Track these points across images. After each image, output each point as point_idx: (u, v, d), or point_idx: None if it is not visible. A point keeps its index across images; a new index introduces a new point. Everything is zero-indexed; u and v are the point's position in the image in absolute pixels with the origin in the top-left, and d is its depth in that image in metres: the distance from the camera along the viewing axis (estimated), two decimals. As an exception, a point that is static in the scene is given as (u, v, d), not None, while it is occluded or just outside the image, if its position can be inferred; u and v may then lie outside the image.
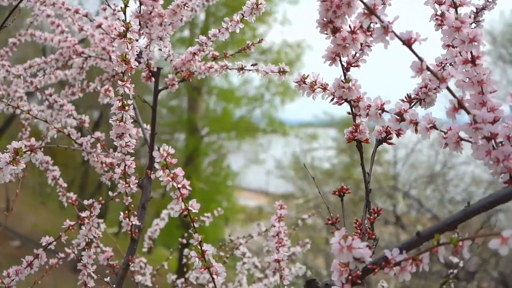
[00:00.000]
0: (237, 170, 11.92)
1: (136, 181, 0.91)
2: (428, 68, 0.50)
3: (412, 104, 0.69)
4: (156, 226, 1.44)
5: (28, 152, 0.66)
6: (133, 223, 0.97)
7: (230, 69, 0.97)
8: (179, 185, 0.62)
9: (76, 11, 1.09)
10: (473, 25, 0.72)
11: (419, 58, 0.51)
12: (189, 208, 0.63)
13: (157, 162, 0.61)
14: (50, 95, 1.12)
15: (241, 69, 0.95)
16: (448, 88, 0.51)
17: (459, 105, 0.51)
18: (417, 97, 0.68)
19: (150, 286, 1.29)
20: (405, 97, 0.69)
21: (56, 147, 0.89)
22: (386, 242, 6.58)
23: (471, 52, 0.53)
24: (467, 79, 0.54)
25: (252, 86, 12.59)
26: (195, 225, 0.64)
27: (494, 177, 0.52)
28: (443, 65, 0.68)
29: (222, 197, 11.04)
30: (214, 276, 0.64)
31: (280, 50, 10.73)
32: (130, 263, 0.98)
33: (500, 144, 0.52)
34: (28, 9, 1.30)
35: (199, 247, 0.65)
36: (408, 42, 0.51)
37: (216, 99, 12.36)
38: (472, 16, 0.72)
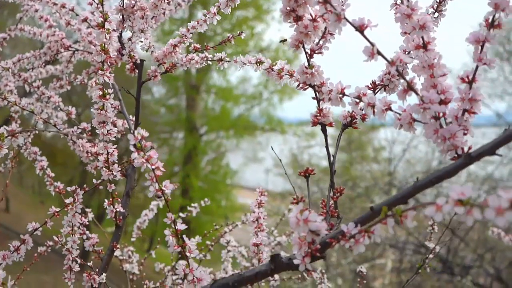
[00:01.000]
0: (236, 169, 11.95)
1: (119, 169, 0.94)
2: (378, 52, 0.54)
3: (377, 90, 0.72)
4: (145, 217, 1.47)
5: (9, 137, 0.70)
6: (117, 210, 1.01)
7: (210, 60, 1.00)
8: (153, 167, 0.65)
9: (63, 6, 1.13)
10: (436, 14, 0.75)
11: (371, 43, 0.54)
12: (163, 188, 0.67)
13: (132, 145, 0.64)
14: (38, 88, 1.15)
15: (220, 60, 0.99)
16: (398, 71, 0.54)
17: (409, 87, 0.55)
18: (381, 83, 0.72)
19: (137, 274, 1.33)
20: (370, 83, 0.72)
21: (35, 130, 0.92)
22: (382, 238, 6.62)
23: (422, 38, 0.57)
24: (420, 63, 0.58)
25: (251, 85, 12.63)
26: (168, 204, 0.68)
27: (442, 156, 0.55)
28: (406, 52, 0.72)
29: (221, 196, 11.07)
30: (187, 254, 0.68)
31: (278, 48, 10.77)
32: (114, 249, 1.02)
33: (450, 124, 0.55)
34: (17, 4, 1.33)
35: (173, 226, 0.68)
36: (360, 28, 0.54)
37: (214, 98, 12.39)
38: (435, 5, 0.75)
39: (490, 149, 0.50)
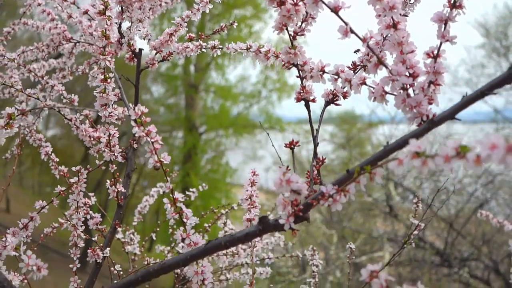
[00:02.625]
0: (236, 167, 12.01)
1: (120, 150, 1.01)
2: (351, 31, 0.60)
3: (357, 70, 0.79)
4: (145, 202, 1.54)
5: (20, 116, 0.76)
6: (119, 190, 1.07)
7: (204, 48, 1.07)
8: (153, 140, 0.72)
9: (64, -1, 1.19)
10: (412, 0, 0.81)
11: (345, 23, 0.60)
12: (162, 159, 0.73)
13: (133, 120, 0.71)
14: (42, 77, 1.22)
15: (213, 47, 1.05)
16: (369, 47, 0.61)
17: (379, 61, 0.61)
18: (361, 63, 0.78)
19: (139, 254, 1.40)
20: (351, 64, 0.79)
21: (44, 109, 0.98)
22: (381, 232, 6.70)
23: (392, 18, 0.63)
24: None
25: (249, 83, 12.69)
26: (166, 174, 0.74)
27: (409, 124, 0.61)
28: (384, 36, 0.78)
29: (221, 194, 11.12)
30: (185, 220, 0.74)
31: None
32: (116, 227, 1.08)
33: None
34: (16, 5, 1.39)
35: (171, 195, 0.75)
36: (335, 10, 0.61)
37: (213, 97, 12.45)
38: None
39: (450, 115, 0.57)
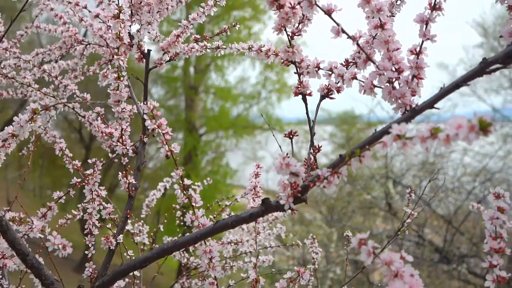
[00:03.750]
0: (236, 168, 12.08)
1: (132, 144, 1.08)
2: (343, 31, 0.68)
3: (350, 66, 0.86)
4: (153, 196, 1.61)
5: (44, 111, 0.83)
6: (130, 181, 1.15)
7: (208, 48, 1.14)
8: (163, 131, 0.79)
9: (77, 4, 1.27)
10: (399, 1, 0.89)
11: (337, 24, 0.68)
12: (172, 149, 0.81)
13: (145, 113, 0.78)
14: (56, 77, 1.29)
15: (217, 47, 1.13)
16: (358, 45, 0.68)
17: (367, 57, 0.69)
18: (353, 61, 0.86)
19: (147, 244, 1.47)
20: (344, 61, 0.86)
21: (64, 104, 1.05)
22: (380, 230, 6.77)
23: (379, 19, 0.71)
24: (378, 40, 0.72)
25: (249, 84, 12.77)
26: (176, 163, 0.82)
27: (395, 112, 0.69)
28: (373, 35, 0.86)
29: (221, 195, 11.18)
30: (193, 204, 0.82)
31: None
32: (128, 216, 1.15)
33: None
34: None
35: (181, 182, 0.82)
36: (328, 12, 0.68)
37: (213, 98, 12.53)
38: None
39: (429, 104, 0.64)
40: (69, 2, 1.28)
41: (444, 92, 0.63)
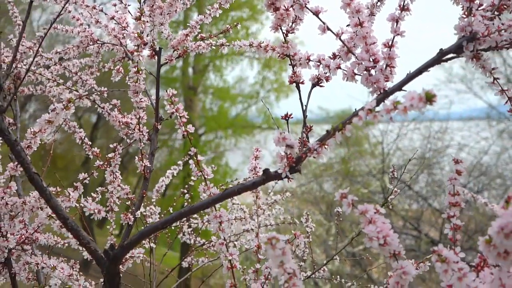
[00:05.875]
0: (235, 168, 12.21)
1: (147, 131, 1.23)
2: (328, 28, 0.82)
3: (336, 58, 1.01)
4: (162, 182, 1.76)
5: (78, 99, 0.98)
6: (145, 164, 1.29)
7: (214, 46, 1.29)
8: (181, 115, 0.94)
9: (94, 7, 1.41)
10: (378, 3, 1.04)
11: (323, 23, 0.83)
12: (188, 129, 0.95)
13: (166, 99, 0.93)
14: (76, 73, 1.44)
15: (222, 45, 1.28)
16: (341, 40, 0.83)
17: (348, 50, 0.84)
18: (339, 54, 1.00)
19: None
20: (332, 54, 1.01)
21: (91, 95, 1.20)
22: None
23: (358, 18, 0.86)
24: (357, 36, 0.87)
25: (247, 84, 12.91)
26: (191, 142, 0.96)
27: (372, 94, 0.84)
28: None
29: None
30: (206, 176, 0.97)
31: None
32: (144, 195, 1.30)
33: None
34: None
35: (195, 158, 0.97)
36: (316, 13, 0.83)
37: (212, 98, 12.67)
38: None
39: (398, 87, 0.79)
40: (87, 6, 1.42)
41: (410, 77, 0.78)
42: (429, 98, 0.59)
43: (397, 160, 7.67)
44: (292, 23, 0.93)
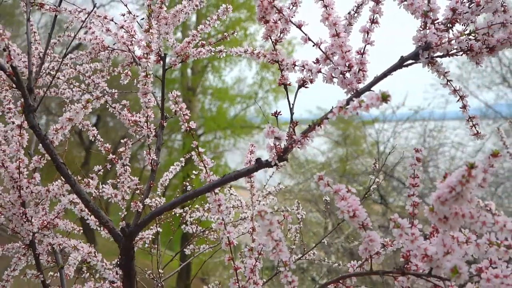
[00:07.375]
0: (234, 168, 12.35)
1: (155, 127, 1.39)
2: (309, 39, 0.98)
3: (318, 63, 1.16)
4: (166, 177, 1.92)
5: (95, 100, 1.14)
6: (153, 158, 1.45)
7: (213, 52, 1.45)
8: (184, 112, 1.10)
9: (105, 17, 1.57)
10: (355, 14, 1.20)
11: (305, 34, 0.99)
12: (190, 126, 1.11)
13: (171, 100, 1.09)
14: (89, 77, 1.59)
15: (220, 51, 1.43)
16: (320, 49, 0.99)
17: (326, 57, 0.99)
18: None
19: (163, 218, 1.78)
20: (315, 59, 1.17)
21: (107, 95, 1.36)
22: (374, 219, 7.09)
23: (335, 30, 1.01)
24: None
25: (246, 85, 13.05)
26: (194, 137, 1.12)
27: (347, 94, 1.00)
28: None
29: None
30: (206, 165, 1.12)
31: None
32: (151, 186, 1.46)
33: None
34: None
35: (197, 150, 1.13)
36: (299, 26, 0.99)
37: (210, 99, 12.82)
38: (355, 7, 1.19)
39: (367, 88, 0.95)
40: (99, 16, 1.58)
41: (376, 80, 0.94)
42: (384, 98, 0.75)
43: (394, 159, 7.83)
44: (280, 33, 1.09)
